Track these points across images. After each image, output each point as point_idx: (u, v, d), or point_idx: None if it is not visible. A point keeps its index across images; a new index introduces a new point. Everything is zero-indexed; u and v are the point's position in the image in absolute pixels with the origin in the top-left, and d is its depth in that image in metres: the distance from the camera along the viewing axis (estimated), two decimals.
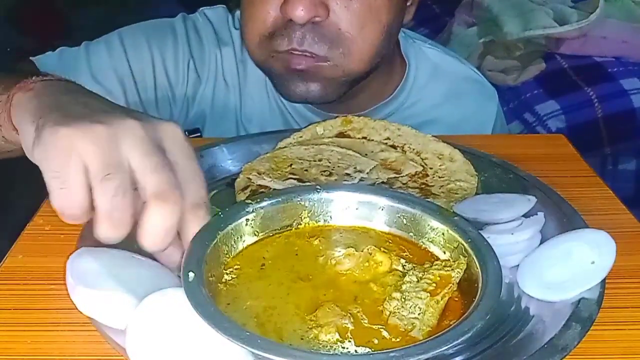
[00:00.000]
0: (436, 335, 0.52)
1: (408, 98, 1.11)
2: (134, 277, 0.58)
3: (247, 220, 0.65)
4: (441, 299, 0.57)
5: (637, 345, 0.58)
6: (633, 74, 1.92)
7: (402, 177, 0.81)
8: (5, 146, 0.77)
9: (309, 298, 0.59)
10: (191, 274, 0.54)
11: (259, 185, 0.77)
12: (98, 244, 0.65)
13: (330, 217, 0.69)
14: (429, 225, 0.66)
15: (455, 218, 0.65)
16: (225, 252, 0.62)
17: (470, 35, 2.09)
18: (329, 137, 0.88)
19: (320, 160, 0.82)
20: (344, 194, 0.69)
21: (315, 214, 0.69)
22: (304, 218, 0.68)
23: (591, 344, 0.56)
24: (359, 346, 0.54)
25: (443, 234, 0.65)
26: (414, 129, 0.88)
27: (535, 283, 0.63)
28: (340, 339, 0.54)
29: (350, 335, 0.54)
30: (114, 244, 0.64)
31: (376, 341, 0.54)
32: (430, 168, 0.83)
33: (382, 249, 0.64)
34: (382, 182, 0.79)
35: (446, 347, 0.50)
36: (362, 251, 0.63)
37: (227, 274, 0.61)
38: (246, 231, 0.65)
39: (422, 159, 0.84)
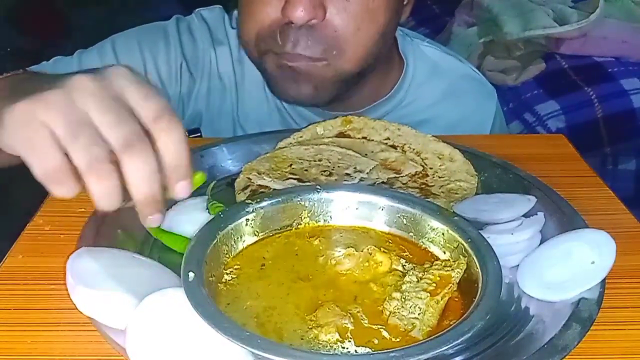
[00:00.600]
0: (436, 335, 0.52)
1: (406, 96, 1.11)
2: (134, 277, 0.58)
3: (247, 220, 0.65)
4: (441, 299, 0.57)
5: (637, 345, 0.58)
6: (633, 74, 1.91)
7: (402, 177, 0.81)
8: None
9: (309, 298, 0.59)
10: (191, 274, 0.54)
11: (259, 185, 0.77)
12: (98, 244, 0.65)
13: (330, 217, 0.69)
14: (429, 225, 0.66)
15: (455, 218, 0.65)
16: (225, 252, 0.62)
17: (470, 35, 2.09)
18: (329, 137, 0.88)
19: (320, 160, 0.82)
20: (344, 194, 0.69)
21: (315, 214, 0.69)
22: (304, 218, 0.68)
23: (591, 344, 0.56)
24: (359, 346, 0.54)
25: (443, 234, 0.65)
26: (414, 129, 0.88)
27: (535, 283, 0.63)
28: (340, 339, 0.54)
29: (350, 335, 0.54)
30: (114, 244, 0.64)
31: (376, 341, 0.54)
32: (430, 168, 0.83)
33: (382, 249, 0.64)
34: (382, 182, 0.79)
35: (446, 347, 0.50)
36: (362, 251, 0.63)
37: (227, 274, 0.61)
38: (246, 231, 0.65)
39: (422, 159, 0.84)
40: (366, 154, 0.84)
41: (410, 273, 0.60)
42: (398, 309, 0.56)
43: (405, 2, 1.01)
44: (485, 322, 0.52)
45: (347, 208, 0.69)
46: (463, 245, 0.62)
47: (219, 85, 1.08)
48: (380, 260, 0.62)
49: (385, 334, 0.55)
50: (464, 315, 0.53)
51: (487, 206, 0.72)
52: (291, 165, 0.81)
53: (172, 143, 0.55)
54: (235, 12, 1.05)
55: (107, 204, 0.55)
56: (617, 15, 1.96)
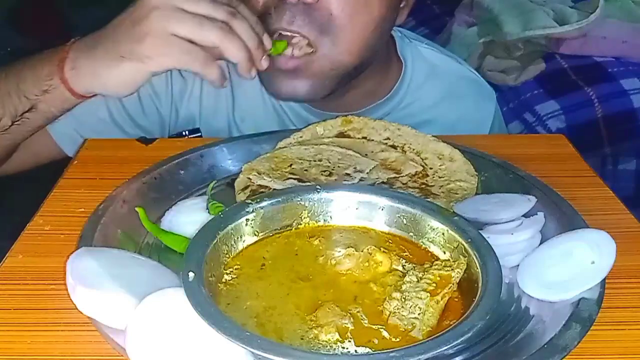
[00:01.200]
0: (436, 335, 0.52)
1: (404, 98, 1.10)
2: (134, 277, 0.58)
3: (247, 220, 0.65)
4: (441, 299, 0.57)
5: (637, 345, 0.58)
6: (633, 74, 1.91)
7: (402, 177, 0.81)
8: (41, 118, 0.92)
9: (309, 298, 0.59)
10: (191, 274, 0.54)
11: (259, 185, 0.77)
12: (98, 244, 0.65)
13: (330, 217, 0.69)
14: (429, 225, 0.66)
15: (455, 218, 0.65)
16: (225, 252, 0.62)
17: (470, 35, 2.09)
18: (329, 137, 0.88)
19: (320, 160, 0.82)
20: (344, 194, 0.69)
21: (315, 214, 0.69)
22: (304, 218, 0.68)
23: (591, 344, 0.56)
24: (359, 346, 0.54)
25: (443, 234, 0.65)
26: (414, 129, 0.88)
27: (535, 283, 0.63)
28: (340, 339, 0.54)
29: (350, 335, 0.54)
30: (114, 244, 0.65)
31: (376, 341, 0.54)
32: (430, 168, 0.83)
33: (382, 249, 0.64)
34: (382, 182, 0.79)
35: (446, 347, 0.50)
36: (362, 251, 0.63)
37: (227, 274, 0.61)
38: (246, 231, 0.65)
39: (422, 159, 0.84)
40: (366, 154, 0.84)
41: (410, 273, 0.60)
42: (398, 309, 0.56)
43: (402, 5, 1.00)
44: (485, 322, 0.52)
45: (347, 208, 0.69)
46: (463, 245, 0.62)
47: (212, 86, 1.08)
48: (380, 260, 0.62)
49: (385, 334, 0.55)
50: (464, 315, 0.53)
51: (487, 206, 0.72)
52: (291, 165, 0.81)
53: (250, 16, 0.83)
54: None
55: (243, 57, 0.82)
56: (617, 15, 1.95)
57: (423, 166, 0.83)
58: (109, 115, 1.05)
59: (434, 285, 0.58)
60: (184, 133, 1.03)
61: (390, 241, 0.67)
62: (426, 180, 0.81)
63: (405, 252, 0.66)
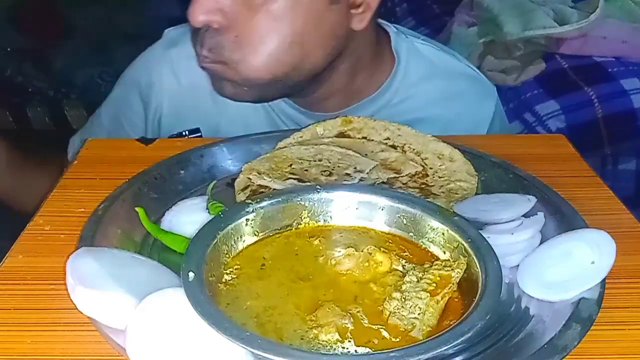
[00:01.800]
0: (436, 335, 0.52)
1: (396, 95, 1.08)
2: (134, 277, 0.58)
3: (247, 220, 0.65)
4: (441, 299, 0.57)
5: (637, 345, 0.58)
6: (633, 74, 1.91)
7: (402, 177, 0.81)
8: None
9: (309, 298, 0.59)
10: (191, 274, 0.54)
11: (259, 185, 0.77)
12: (98, 244, 0.65)
13: (330, 217, 0.69)
14: (429, 225, 0.66)
15: (455, 218, 0.65)
16: (225, 252, 0.62)
17: (470, 35, 2.09)
18: (329, 137, 0.88)
19: (320, 160, 0.82)
20: (344, 194, 0.69)
21: (315, 214, 0.69)
22: (304, 218, 0.68)
23: (591, 344, 0.56)
24: (359, 346, 0.54)
25: (443, 234, 0.65)
26: (414, 129, 0.88)
27: (535, 283, 0.63)
28: (340, 339, 0.54)
29: (350, 335, 0.54)
30: (114, 244, 0.64)
31: (376, 341, 0.54)
32: (430, 168, 0.83)
33: (382, 249, 0.64)
34: (382, 182, 0.79)
35: (446, 347, 0.50)
36: (362, 251, 0.63)
37: (227, 274, 0.61)
38: (246, 231, 0.65)
39: (422, 159, 0.84)
40: (366, 154, 0.84)
41: (410, 273, 0.60)
42: (398, 309, 0.56)
43: (360, 10, 0.95)
44: (485, 322, 0.52)
45: (347, 208, 0.69)
46: (463, 245, 0.62)
47: (197, 90, 1.10)
48: (380, 260, 0.62)
49: (385, 334, 0.55)
50: (464, 315, 0.53)
51: (487, 206, 0.72)
52: (291, 165, 0.81)
53: None
54: None
55: None
56: (617, 15, 1.95)
57: (423, 166, 0.83)
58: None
59: (434, 285, 0.58)
60: (184, 133, 1.03)
61: (390, 241, 0.67)
62: (426, 180, 0.81)
63: (405, 252, 0.66)
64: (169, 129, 1.09)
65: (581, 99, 1.86)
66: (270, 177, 0.77)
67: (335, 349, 0.53)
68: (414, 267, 0.62)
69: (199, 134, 1.04)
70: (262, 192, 0.75)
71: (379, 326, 0.56)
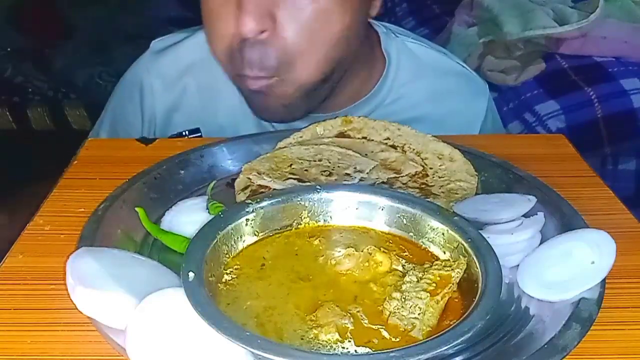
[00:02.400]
0: (436, 335, 0.52)
1: (389, 95, 1.08)
2: (134, 277, 0.58)
3: (247, 220, 0.65)
4: (441, 299, 0.57)
5: (637, 345, 0.58)
6: (633, 74, 1.91)
7: (402, 177, 0.81)
8: None
9: (309, 298, 0.59)
10: (191, 274, 0.54)
11: (259, 185, 0.77)
12: (98, 244, 0.65)
13: (330, 217, 0.69)
14: (429, 225, 0.66)
15: (455, 218, 0.65)
16: (225, 252, 0.62)
17: (470, 35, 2.09)
18: (329, 137, 0.88)
19: (320, 160, 0.82)
20: (344, 194, 0.69)
21: (315, 214, 0.69)
22: (304, 218, 0.68)
23: (591, 344, 0.56)
24: (359, 346, 0.54)
25: (443, 234, 0.65)
26: (414, 129, 0.88)
27: (535, 283, 0.63)
28: (340, 339, 0.54)
29: (350, 335, 0.54)
30: (114, 244, 0.64)
31: (376, 341, 0.54)
32: (430, 168, 0.83)
33: (382, 249, 0.64)
34: (382, 182, 0.79)
35: (446, 347, 0.50)
36: (362, 251, 0.63)
37: (227, 274, 0.61)
38: (246, 231, 0.65)
39: (422, 159, 0.84)
40: (366, 154, 0.84)
41: (410, 273, 0.60)
42: (398, 309, 0.56)
43: None
44: (485, 322, 0.52)
45: (347, 208, 0.69)
46: (463, 245, 0.62)
47: (189, 94, 1.10)
48: (380, 260, 0.62)
49: (385, 334, 0.55)
50: (464, 315, 0.53)
51: (487, 206, 0.72)
52: (291, 165, 0.81)
53: None
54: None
55: None
56: (617, 15, 1.95)
57: (423, 166, 0.83)
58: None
59: (434, 285, 0.58)
60: (184, 133, 1.03)
61: (390, 241, 0.67)
62: (426, 180, 0.81)
63: (405, 252, 0.66)
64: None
65: (581, 99, 1.86)
66: (270, 177, 0.77)
67: (335, 349, 0.53)
68: (414, 267, 0.62)
69: (199, 134, 1.04)
70: (262, 192, 0.75)
71: (379, 326, 0.56)
